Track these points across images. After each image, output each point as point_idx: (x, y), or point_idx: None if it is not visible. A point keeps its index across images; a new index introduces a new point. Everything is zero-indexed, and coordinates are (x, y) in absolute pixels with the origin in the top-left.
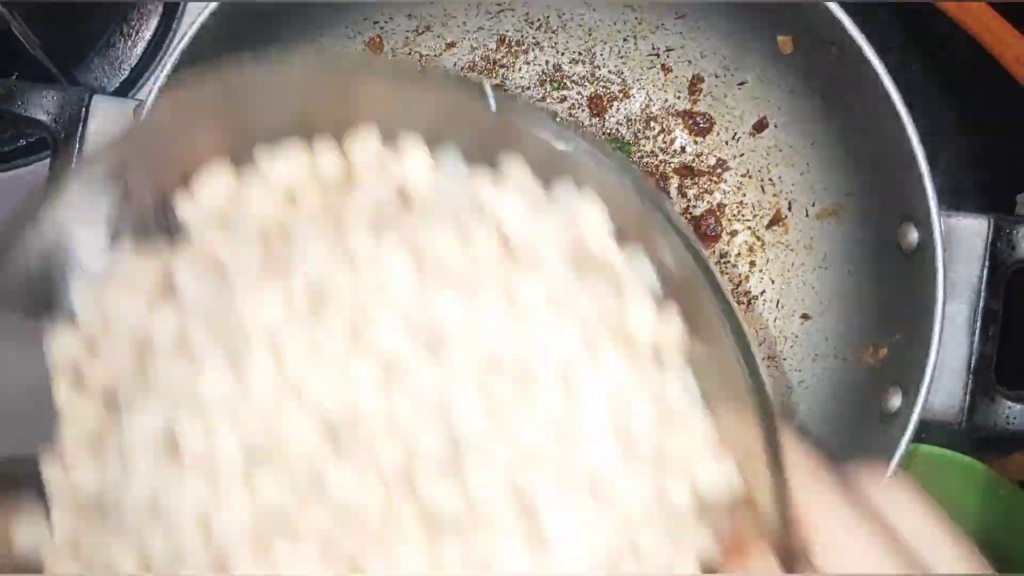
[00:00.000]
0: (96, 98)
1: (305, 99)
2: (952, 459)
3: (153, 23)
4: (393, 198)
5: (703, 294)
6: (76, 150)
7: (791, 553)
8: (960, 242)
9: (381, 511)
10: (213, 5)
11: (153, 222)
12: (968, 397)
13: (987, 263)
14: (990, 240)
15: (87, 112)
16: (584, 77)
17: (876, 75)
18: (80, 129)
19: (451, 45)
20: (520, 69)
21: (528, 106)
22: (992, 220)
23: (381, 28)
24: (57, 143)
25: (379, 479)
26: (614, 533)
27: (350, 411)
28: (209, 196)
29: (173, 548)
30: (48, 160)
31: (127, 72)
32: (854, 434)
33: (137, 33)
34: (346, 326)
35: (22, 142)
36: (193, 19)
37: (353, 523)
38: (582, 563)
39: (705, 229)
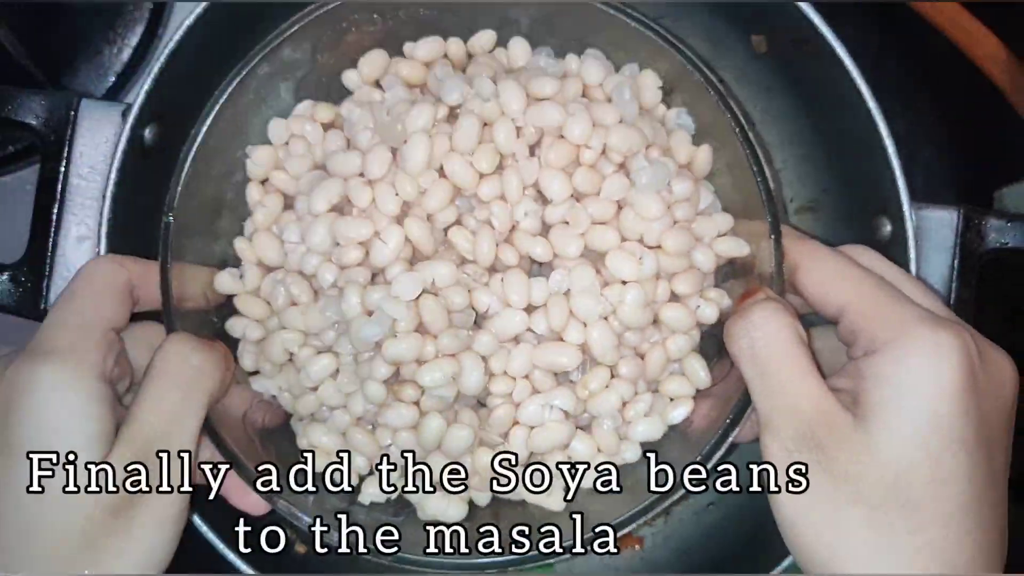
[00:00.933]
0: (84, 102)
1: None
2: None
3: (139, 29)
4: (501, 70)
5: (732, 138)
6: (65, 154)
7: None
8: (931, 234)
9: (489, 255)
10: (199, 9)
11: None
12: None
13: (958, 253)
14: (960, 231)
15: (76, 116)
16: None
17: (848, 73)
18: (69, 133)
19: None
20: None
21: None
22: (962, 211)
23: None
24: (46, 147)
25: (490, 235)
26: (655, 276)
27: (473, 183)
28: (368, 66)
29: (339, 274)
30: (37, 165)
31: (114, 78)
32: None
33: (123, 39)
34: (475, 132)
35: (10, 148)
36: (179, 24)
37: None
38: (633, 294)
39: None
